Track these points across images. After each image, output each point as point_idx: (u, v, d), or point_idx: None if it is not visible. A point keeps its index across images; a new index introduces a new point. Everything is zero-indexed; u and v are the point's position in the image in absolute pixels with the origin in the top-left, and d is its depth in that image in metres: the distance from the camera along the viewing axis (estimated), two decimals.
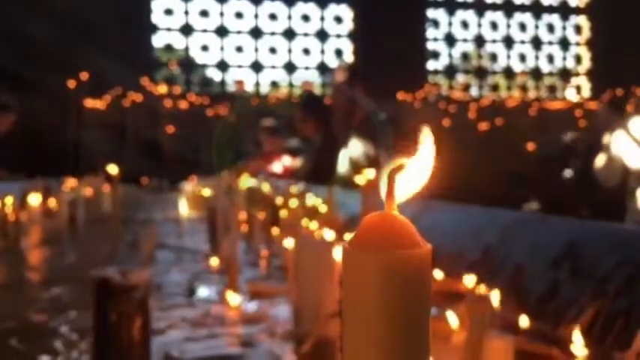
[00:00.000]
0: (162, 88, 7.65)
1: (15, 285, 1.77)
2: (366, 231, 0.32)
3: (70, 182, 3.66)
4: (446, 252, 1.49)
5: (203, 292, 1.58)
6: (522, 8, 8.90)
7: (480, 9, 8.75)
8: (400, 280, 0.30)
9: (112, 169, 2.40)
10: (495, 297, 1.01)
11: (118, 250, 2.22)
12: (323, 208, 2.27)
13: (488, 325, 0.89)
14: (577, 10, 9.09)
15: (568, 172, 6.09)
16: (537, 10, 8.95)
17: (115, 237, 2.32)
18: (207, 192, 2.82)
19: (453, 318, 0.94)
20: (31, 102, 6.39)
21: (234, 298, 1.38)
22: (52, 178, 3.73)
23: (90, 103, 7.08)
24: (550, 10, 9.01)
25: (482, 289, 1.18)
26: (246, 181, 3.37)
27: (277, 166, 4.79)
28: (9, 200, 2.52)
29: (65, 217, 2.90)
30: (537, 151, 7.28)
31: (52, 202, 3.18)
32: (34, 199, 2.84)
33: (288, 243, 1.42)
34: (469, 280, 1.26)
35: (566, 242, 1.20)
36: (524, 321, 1.03)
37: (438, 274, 1.35)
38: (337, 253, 1.04)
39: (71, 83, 6.76)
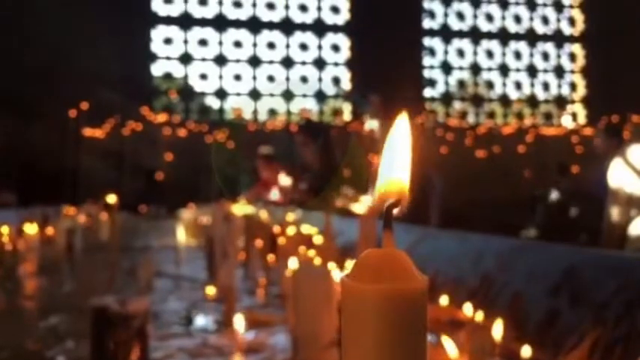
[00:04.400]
0: (161, 117, 7.69)
1: (12, 314, 1.75)
2: (364, 265, 0.33)
3: (69, 210, 3.66)
4: (445, 279, 1.49)
5: (201, 321, 1.57)
6: (517, 37, 9.01)
7: (476, 37, 8.86)
8: (396, 313, 0.31)
9: (111, 198, 2.40)
10: (497, 326, 1.00)
11: (116, 279, 2.21)
12: (319, 237, 2.27)
13: (488, 353, 0.89)
14: (571, 39, 9.20)
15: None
16: (532, 39, 9.07)
17: (112, 265, 2.31)
18: (208, 220, 2.82)
19: (450, 346, 0.93)
20: (30, 130, 6.41)
21: (240, 325, 1.36)
22: (51, 206, 3.72)
23: (89, 131, 7.11)
24: (545, 38, 9.12)
25: (481, 316, 1.17)
26: (243, 209, 3.37)
27: (275, 194, 4.79)
28: (5, 229, 2.51)
29: (63, 245, 2.89)
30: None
31: (50, 230, 3.17)
32: (31, 228, 2.83)
33: (288, 267, 1.41)
34: (469, 308, 1.25)
35: (565, 269, 1.20)
36: (525, 351, 1.03)
37: (445, 300, 1.34)
38: (336, 280, 1.03)
39: (72, 112, 6.79)
